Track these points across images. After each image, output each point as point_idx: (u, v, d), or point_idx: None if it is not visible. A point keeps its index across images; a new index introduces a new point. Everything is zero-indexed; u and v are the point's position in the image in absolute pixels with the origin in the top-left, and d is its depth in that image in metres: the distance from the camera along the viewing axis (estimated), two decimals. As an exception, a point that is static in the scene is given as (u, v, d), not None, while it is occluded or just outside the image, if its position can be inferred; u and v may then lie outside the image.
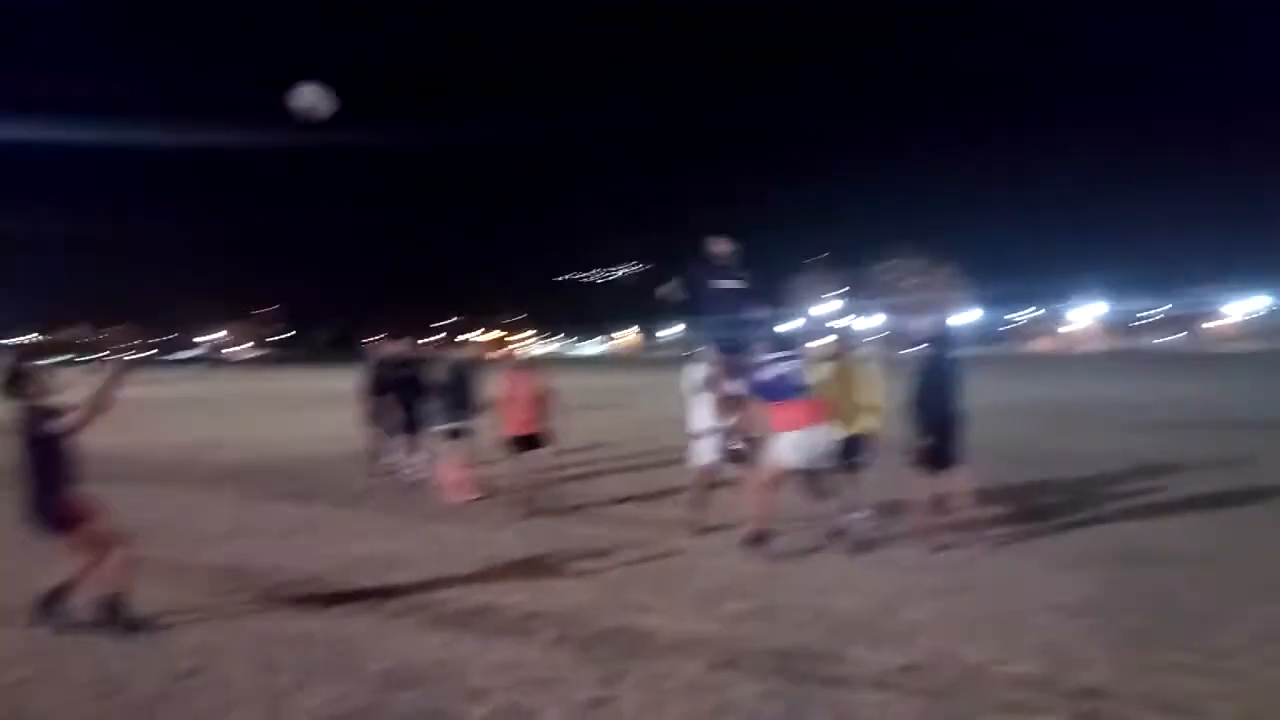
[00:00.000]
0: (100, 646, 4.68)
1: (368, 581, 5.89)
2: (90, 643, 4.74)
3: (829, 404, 6.81)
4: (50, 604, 4.95)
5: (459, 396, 9.09)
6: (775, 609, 5.13)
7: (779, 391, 6.36)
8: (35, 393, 4.88)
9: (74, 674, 4.31)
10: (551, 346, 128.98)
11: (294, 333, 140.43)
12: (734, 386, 6.84)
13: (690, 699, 3.92)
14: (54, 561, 5.13)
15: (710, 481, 7.10)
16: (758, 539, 6.33)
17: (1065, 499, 8.27)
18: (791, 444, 6.24)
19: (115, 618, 4.89)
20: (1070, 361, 58.21)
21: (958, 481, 6.46)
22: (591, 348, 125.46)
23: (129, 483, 10.43)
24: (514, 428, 8.13)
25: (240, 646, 4.66)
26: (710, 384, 6.97)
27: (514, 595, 5.50)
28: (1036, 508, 7.85)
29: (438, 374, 9.41)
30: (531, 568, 6.20)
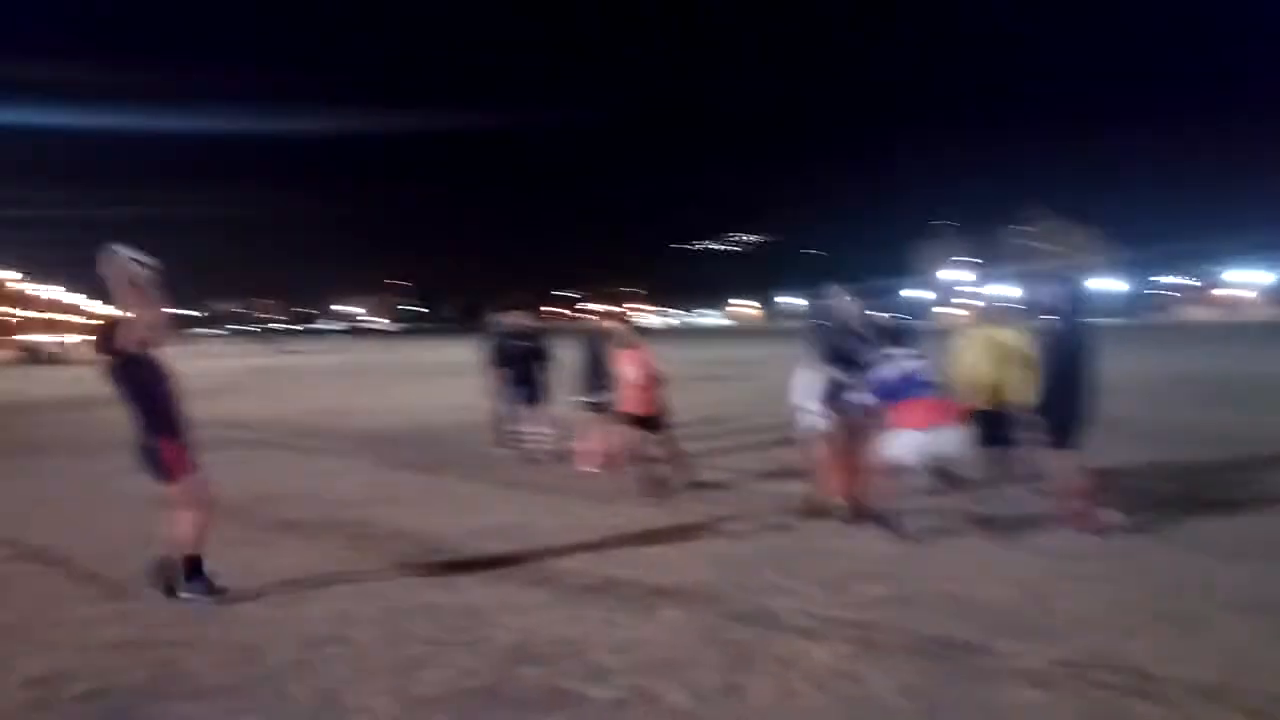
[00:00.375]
0: (243, 612, 4.84)
1: (493, 551, 5.91)
2: (234, 608, 4.91)
3: (971, 382, 6.41)
4: (163, 572, 5.05)
5: (597, 369, 9.04)
6: (911, 594, 4.85)
7: (901, 390, 5.96)
8: (124, 342, 4.83)
9: (216, 639, 4.46)
10: (671, 318, 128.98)
11: (426, 305, 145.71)
12: (855, 398, 6.41)
13: (825, 689, 3.71)
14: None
15: (826, 455, 6.76)
16: (884, 519, 6.02)
17: (1222, 482, 7.58)
18: (912, 443, 5.85)
19: (177, 578, 4.99)
20: (1228, 331, 54.20)
21: (1085, 460, 5.96)
22: (713, 318, 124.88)
23: (269, 448, 10.93)
24: (630, 405, 7.98)
25: (372, 615, 4.73)
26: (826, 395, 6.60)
27: (637, 571, 5.41)
28: (1191, 491, 7.21)
29: (576, 346, 9.38)
30: (655, 543, 6.10)
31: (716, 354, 34.34)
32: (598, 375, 9.00)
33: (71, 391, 21.95)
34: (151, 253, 4.85)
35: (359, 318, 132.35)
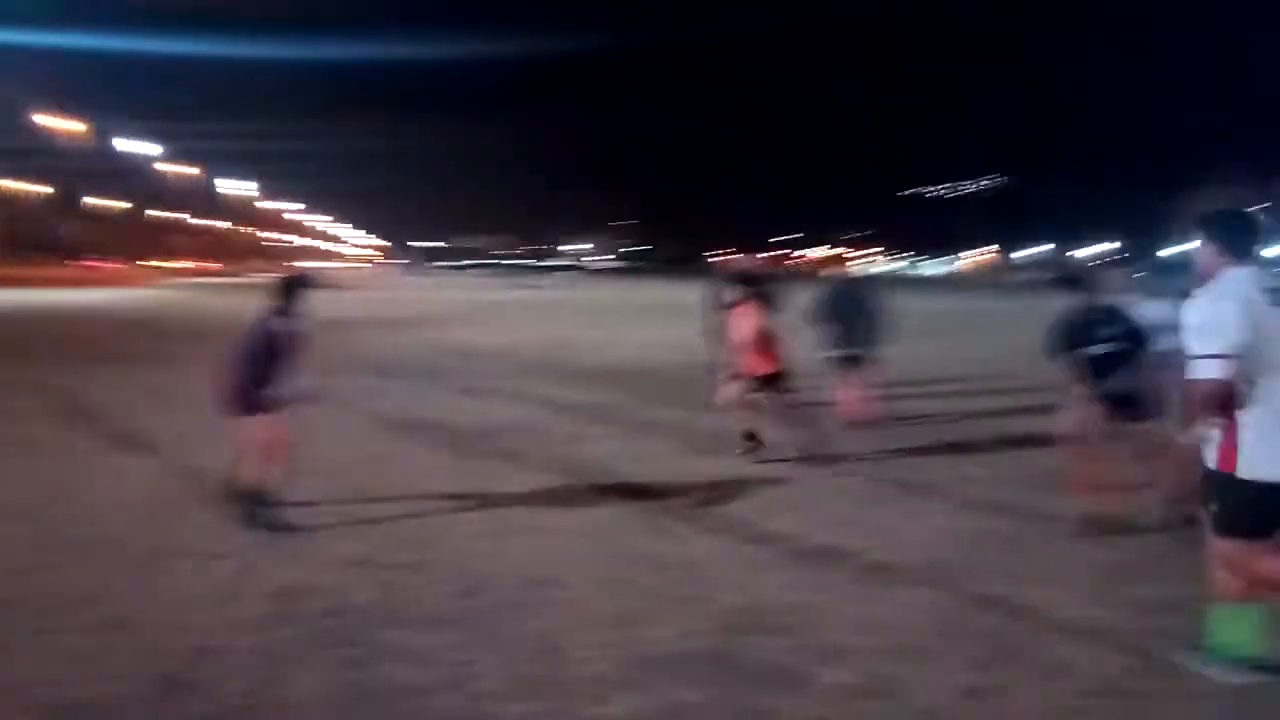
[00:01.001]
0: (466, 541, 4.91)
1: (713, 503, 5.70)
2: (458, 536, 4.99)
3: None
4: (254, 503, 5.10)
5: (849, 320, 8.46)
6: (1195, 601, 4.07)
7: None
8: (295, 304, 5.19)
9: (441, 566, 4.52)
10: (895, 264, 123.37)
11: (649, 245, 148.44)
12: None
13: (1105, 709, 3.15)
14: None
15: (1090, 435, 5.84)
16: (1164, 511, 5.13)
17: None
18: None
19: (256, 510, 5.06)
20: None
21: None
22: (934, 267, 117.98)
23: (498, 378, 11.28)
24: (750, 366, 7.06)
25: (593, 559, 4.64)
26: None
27: (868, 540, 4.96)
28: None
29: (821, 296, 8.88)
30: (886, 512, 5.60)
31: (938, 305, 32.09)
32: (851, 326, 8.47)
33: (334, 314, 23.97)
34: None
35: (584, 257, 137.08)
